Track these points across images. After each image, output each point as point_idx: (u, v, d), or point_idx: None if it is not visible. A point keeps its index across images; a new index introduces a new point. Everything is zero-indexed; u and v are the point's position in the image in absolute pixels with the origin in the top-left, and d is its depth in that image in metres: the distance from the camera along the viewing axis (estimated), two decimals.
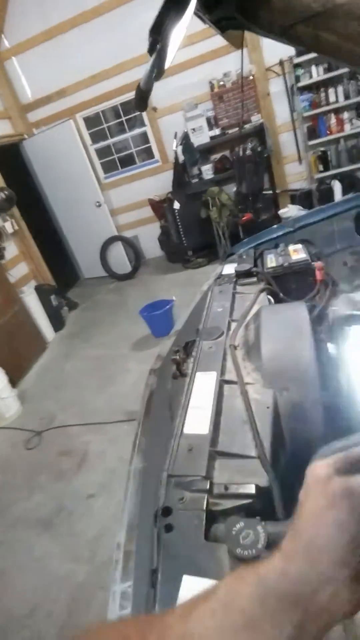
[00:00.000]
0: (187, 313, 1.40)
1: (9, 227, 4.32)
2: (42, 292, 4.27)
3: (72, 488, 2.23)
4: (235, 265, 1.43)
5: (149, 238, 5.38)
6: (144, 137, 5.06)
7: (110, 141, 5.14)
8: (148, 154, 5.16)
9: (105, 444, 2.48)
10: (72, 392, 3.19)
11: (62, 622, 1.57)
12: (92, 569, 1.72)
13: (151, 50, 0.76)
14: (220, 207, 4.27)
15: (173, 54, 0.77)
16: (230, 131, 4.52)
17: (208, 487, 0.63)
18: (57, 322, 4.41)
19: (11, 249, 4.42)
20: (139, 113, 4.90)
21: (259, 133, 4.39)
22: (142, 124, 4.98)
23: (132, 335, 3.70)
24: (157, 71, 0.77)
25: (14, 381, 3.25)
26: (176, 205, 4.48)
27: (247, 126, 4.42)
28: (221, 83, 4.46)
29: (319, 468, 0.33)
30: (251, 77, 4.38)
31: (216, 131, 4.59)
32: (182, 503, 0.62)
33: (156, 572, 0.55)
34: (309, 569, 0.29)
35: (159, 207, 4.98)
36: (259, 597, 0.29)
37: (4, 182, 4.32)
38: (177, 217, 4.56)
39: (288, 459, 0.73)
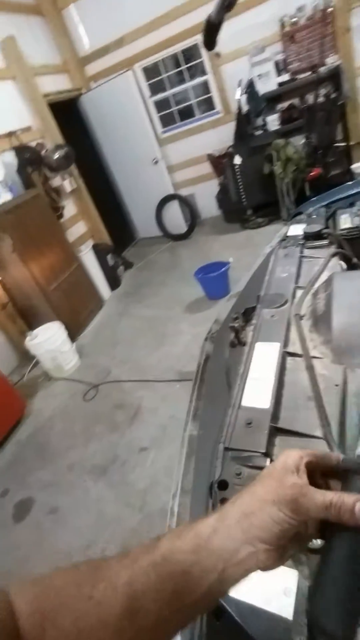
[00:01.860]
0: (246, 277, 1.32)
1: (67, 185, 4.36)
2: (99, 251, 4.34)
3: (126, 440, 2.34)
4: (303, 226, 1.31)
5: (206, 196, 5.18)
6: (205, 87, 4.74)
7: (169, 92, 4.88)
8: (208, 104, 4.84)
9: (157, 400, 2.56)
10: (126, 349, 3.29)
11: None
12: (143, 517, 1.83)
13: None
14: (286, 161, 3.95)
15: None
16: (300, 76, 4.07)
17: (267, 464, 0.60)
18: (113, 281, 4.50)
19: (69, 208, 4.49)
20: (199, 61, 4.57)
21: (334, 77, 3.91)
22: (203, 72, 4.64)
23: (185, 296, 3.68)
24: None
25: (72, 336, 3.42)
26: (237, 160, 4.22)
27: (321, 69, 3.94)
28: (293, 20, 3.96)
29: (292, 456, 0.38)
30: (330, 9, 3.84)
31: (285, 77, 4.15)
32: (239, 478, 0.60)
33: None
34: (236, 533, 0.36)
35: (218, 162, 4.73)
36: (193, 548, 0.36)
37: (62, 139, 4.32)
38: (238, 173, 4.31)
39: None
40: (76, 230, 4.56)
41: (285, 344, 0.84)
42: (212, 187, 5.04)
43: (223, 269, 3.30)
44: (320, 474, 0.40)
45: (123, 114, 4.80)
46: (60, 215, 4.19)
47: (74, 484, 2.17)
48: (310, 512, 0.35)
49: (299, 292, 1.00)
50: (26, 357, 3.45)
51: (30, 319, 3.51)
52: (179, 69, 4.73)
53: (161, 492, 1.92)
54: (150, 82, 4.87)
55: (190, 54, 4.59)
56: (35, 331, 3.20)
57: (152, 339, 3.27)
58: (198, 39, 4.39)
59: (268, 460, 0.61)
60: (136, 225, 5.83)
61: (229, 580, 0.35)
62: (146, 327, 3.51)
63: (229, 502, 0.39)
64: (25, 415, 2.88)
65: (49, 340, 3.08)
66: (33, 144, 3.92)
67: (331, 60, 3.96)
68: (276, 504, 0.35)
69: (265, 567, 0.35)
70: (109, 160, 5.39)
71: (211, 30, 0.70)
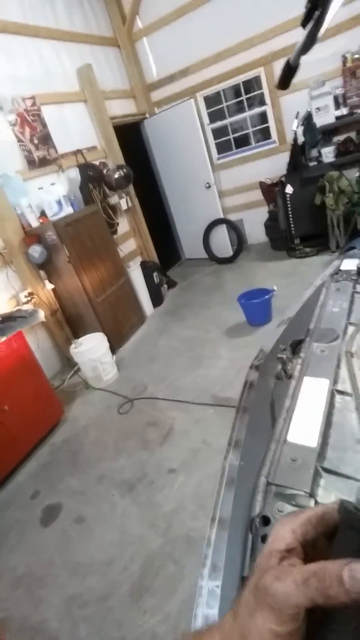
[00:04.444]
0: (295, 307, 1.31)
1: (123, 204, 4.57)
2: (146, 269, 4.47)
3: (156, 459, 2.34)
4: (356, 261, 1.29)
5: (255, 223, 5.22)
6: (263, 117, 4.84)
7: (227, 121, 5.03)
8: (264, 134, 4.93)
9: (190, 423, 2.55)
10: (163, 367, 3.32)
11: (134, 580, 1.68)
12: (166, 541, 1.80)
13: (306, 20, 0.69)
14: (339, 193, 3.91)
15: (328, 21, 0.69)
16: (358, 111, 4.06)
17: (312, 505, 0.59)
18: (157, 299, 4.59)
19: (123, 225, 4.69)
20: (259, 92, 4.69)
21: None
22: (262, 103, 4.75)
23: (225, 320, 3.68)
24: (311, 42, 0.70)
25: (113, 348, 3.51)
26: (289, 189, 4.23)
27: None
28: (356, 56, 3.99)
29: (281, 535, 0.32)
30: None
31: (343, 110, 4.16)
32: (282, 515, 0.59)
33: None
34: None
35: (270, 190, 4.77)
36: None
37: (123, 160, 4.55)
38: (288, 202, 4.31)
39: None
40: (127, 246, 4.74)
41: (335, 381, 0.82)
42: (261, 214, 5.07)
43: (267, 296, 3.27)
44: (327, 539, 0.32)
45: (182, 139, 4.99)
46: (115, 232, 4.39)
47: (101, 496, 2.19)
48: (290, 599, 0.27)
49: (351, 329, 0.98)
50: (68, 364, 3.58)
51: (76, 327, 3.65)
52: (238, 99, 4.88)
53: (187, 518, 1.88)
54: (210, 110, 5.05)
55: (250, 85, 4.72)
56: (80, 340, 3.32)
57: (190, 359, 3.28)
58: (259, 71, 4.52)
59: (312, 501, 0.59)
60: (183, 246, 5.96)
61: None
62: (184, 347, 3.53)
63: (230, 614, 0.33)
64: (62, 420, 2.97)
65: (91, 349, 3.18)
66: (96, 162, 4.17)
67: None
68: (262, 617, 0.29)
69: None
70: (164, 182, 5.60)
71: (289, 73, 0.73)
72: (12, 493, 2.41)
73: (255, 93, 4.76)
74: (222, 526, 0.67)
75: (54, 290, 3.54)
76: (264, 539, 0.56)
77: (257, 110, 4.82)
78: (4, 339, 2.53)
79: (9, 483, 2.49)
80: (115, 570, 1.76)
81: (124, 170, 4.33)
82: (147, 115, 5.23)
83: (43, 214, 3.35)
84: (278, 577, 0.29)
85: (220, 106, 4.99)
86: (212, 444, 2.29)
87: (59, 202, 3.38)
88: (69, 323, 3.69)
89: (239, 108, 4.95)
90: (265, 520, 0.58)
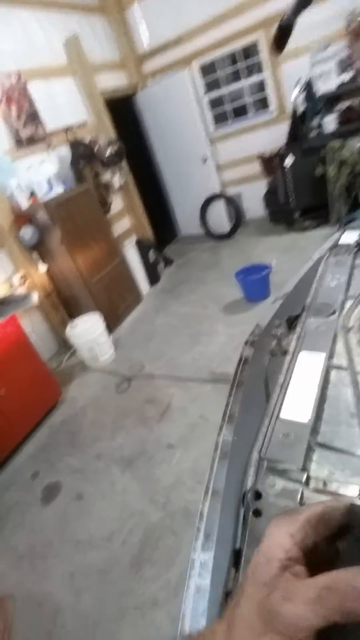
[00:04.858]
0: (292, 282, 1.28)
1: (116, 181, 4.45)
2: (142, 247, 4.40)
3: (154, 435, 2.36)
4: (357, 232, 1.25)
5: (253, 197, 5.10)
6: (261, 86, 4.65)
7: (224, 90, 4.83)
8: (263, 104, 4.75)
9: (187, 399, 2.56)
10: (161, 345, 3.31)
11: (134, 552, 1.72)
12: (165, 514, 1.83)
13: None
14: (340, 164, 3.80)
15: None
16: None
17: (304, 479, 0.58)
18: (153, 277, 4.54)
19: (117, 203, 4.58)
20: (257, 59, 4.49)
21: None
22: (261, 70, 4.56)
23: (223, 296, 3.65)
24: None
25: (110, 328, 3.49)
26: (288, 160, 4.12)
27: None
28: None
29: (277, 542, 0.28)
30: None
31: (347, 76, 4.00)
32: (274, 490, 0.58)
33: (240, 553, 0.53)
34: None
35: (269, 163, 4.64)
36: None
37: (115, 135, 4.40)
38: (288, 174, 4.20)
39: None
40: (121, 225, 4.64)
41: (331, 355, 0.80)
42: (259, 187, 4.95)
43: (265, 272, 3.23)
44: (329, 541, 0.30)
45: (176, 111, 4.82)
46: (108, 210, 4.29)
47: (101, 473, 2.22)
48: (303, 623, 0.24)
49: (349, 303, 0.96)
50: (65, 345, 3.57)
51: (72, 309, 3.62)
52: (235, 67, 4.68)
53: (185, 492, 1.91)
54: (206, 79, 4.85)
55: (248, 51, 4.52)
56: (76, 321, 3.29)
57: (187, 337, 3.27)
58: (257, 36, 4.31)
59: (305, 475, 0.58)
60: (179, 222, 5.85)
61: None
62: (182, 324, 3.52)
63: (222, 629, 0.29)
64: (60, 402, 2.98)
65: (88, 330, 3.16)
66: (87, 139, 4.04)
67: None
68: (268, 634, 0.25)
69: None
70: (159, 157, 5.44)
71: (284, 33, 0.68)
72: (12, 475, 2.44)
73: (253, 60, 4.55)
74: (215, 499, 0.66)
75: (47, 272, 3.49)
76: (256, 513, 0.56)
77: (256, 78, 4.63)
78: None
79: (8, 465, 2.51)
80: (115, 544, 1.79)
81: (116, 146, 4.19)
82: (140, 87, 5.03)
83: (33, 194, 3.26)
84: (286, 598, 0.25)
85: (217, 75, 4.79)
86: (210, 419, 2.30)
87: (49, 182, 3.28)
88: (64, 304, 3.66)
89: (237, 77, 4.75)
90: (257, 495, 0.58)
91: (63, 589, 1.69)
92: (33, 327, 3.36)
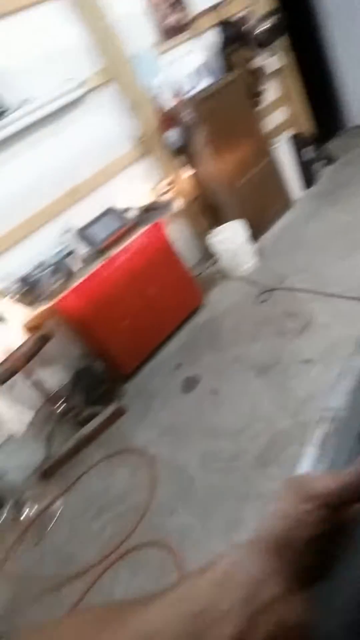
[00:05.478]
0: None
1: (271, 65, 3.80)
2: (297, 143, 3.84)
3: (291, 348, 2.28)
4: None
5: None
6: None
7: None
8: None
9: (333, 316, 2.33)
10: (308, 257, 3.01)
11: (261, 450, 1.80)
12: (294, 424, 1.82)
13: None
14: None
15: None
16: None
17: None
18: (307, 179, 4.00)
19: (269, 92, 4.00)
20: None
21: None
22: None
23: None
24: None
25: (254, 236, 3.33)
26: None
27: None
28: None
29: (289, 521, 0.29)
30: None
31: None
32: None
33: None
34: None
35: None
36: (216, 583, 0.28)
37: (275, 4, 3.65)
38: None
39: None
40: (273, 119, 4.09)
41: None
42: None
43: None
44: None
45: None
46: (258, 102, 3.80)
47: (235, 374, 2.32)
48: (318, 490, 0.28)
49: None
50: (207, 253, 3.60)
51: (215, 216, 3.55)
52: None
53: (317, 407, 1.83)
54: None
55: None
56: (219, 228, 3.24)
57: (341, 248, 2.87)
58: None
59: None
60: (351, 108, 4.79)
61: None
62: (337, 234, 3.08)
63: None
64: (201, 306, 3.12)
65: (230, 238, 3.09)
66: (238, 16, 3.49)
67: None
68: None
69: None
70: (331, 23, 4.34)
71: None
72: (160, 363, 2.78)
73: None
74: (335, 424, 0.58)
75: (192, 176, 3.43)
76: None
77: None
78: (145, 229, 2.64)
79: (157, 355, 2.86)
80: (244, 438, 1.91)
81: (274, 18, 3.50)
82: None
83: (178, 92, 3.08)
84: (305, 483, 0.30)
85: None
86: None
87: (194, 75, 3.04)
88: (209, 211, 3.60)
89: None
90: None
91: (196, 464, 1.93)
92: (178, 233, 3.46)
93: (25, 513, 2.19)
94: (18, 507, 2.20)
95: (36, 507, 2.21)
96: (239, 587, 0.28)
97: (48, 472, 2.36)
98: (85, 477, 2.25)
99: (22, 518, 2.18)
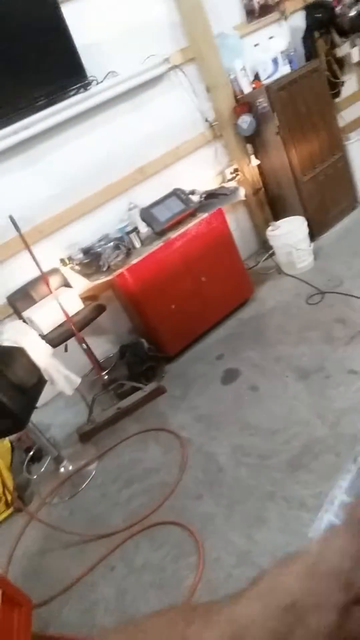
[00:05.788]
0: None
1: (356, 54, 3.55)
2: None
3: (337, 356, 2.25)
4: None
5: None
6: None
7: None
8: None
9: None
10: None
11: (294, 454, 1.83)
12: (331, 434, 1.83)
13: None
14: None
15: None
16: None
17: None
18: None
19: (350, 84, 3.77)
20: None
21: None
22: None
23: None
24: None
25: (313, 235, 3.25)
26: None
27: None
28: None
29: None
30: None
31: None
32: None
33: None
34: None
35: None
36: (306, 575, 0.28)
37: None
38: None
39: None
40: (351, 112, 3.88)
41: None
42: None
43: None
44: None
45: None
46: (337, 94, 3.61)
47: (276, 374, 2.33)
48: None
49: None
50: (264, 246, 3.56)
51: (277, 209, 3.49)
52: None
53: (358, 421, 1.83)
54: None
55: None
56: (278, 222, 3.18)
57: None
58: None
59: None
60: None
61: None
62: None
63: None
64: (251, 299, 3.12)
65: (289, 234, 3.03)
66: None
67: None
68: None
69: None
70: None
71: None
72: (203, 351, 2.84)
73: None
74: None
75: (258, 166, 3.35)
76: None
77: None
78: (206, 215, 2.64)
79: (201, 342, 2.91)
80: (278, 439, 1.94)
81: None
82: None
83: (257, 77, 2.98)
84: None
85: None
86: None
87: (275, 61, 2.91)
88: (270, 203, 3.53)
89: None
90: None
91: (226, 455, 1.99)
92: (237, 223, 3.43)
93: (63, 468, 2.37)
94: (58, 461, 2.38)
95: (71, 466, 2.38)
96: (332, 577, 0.26)
97: (86, 435, 2.53)
98: (120, 447, 2.38)
99: (60, 472, 2.36)
